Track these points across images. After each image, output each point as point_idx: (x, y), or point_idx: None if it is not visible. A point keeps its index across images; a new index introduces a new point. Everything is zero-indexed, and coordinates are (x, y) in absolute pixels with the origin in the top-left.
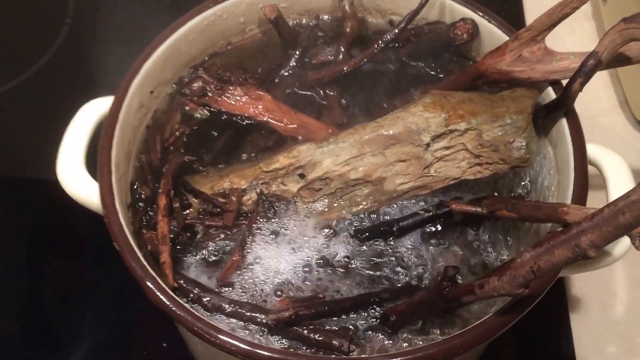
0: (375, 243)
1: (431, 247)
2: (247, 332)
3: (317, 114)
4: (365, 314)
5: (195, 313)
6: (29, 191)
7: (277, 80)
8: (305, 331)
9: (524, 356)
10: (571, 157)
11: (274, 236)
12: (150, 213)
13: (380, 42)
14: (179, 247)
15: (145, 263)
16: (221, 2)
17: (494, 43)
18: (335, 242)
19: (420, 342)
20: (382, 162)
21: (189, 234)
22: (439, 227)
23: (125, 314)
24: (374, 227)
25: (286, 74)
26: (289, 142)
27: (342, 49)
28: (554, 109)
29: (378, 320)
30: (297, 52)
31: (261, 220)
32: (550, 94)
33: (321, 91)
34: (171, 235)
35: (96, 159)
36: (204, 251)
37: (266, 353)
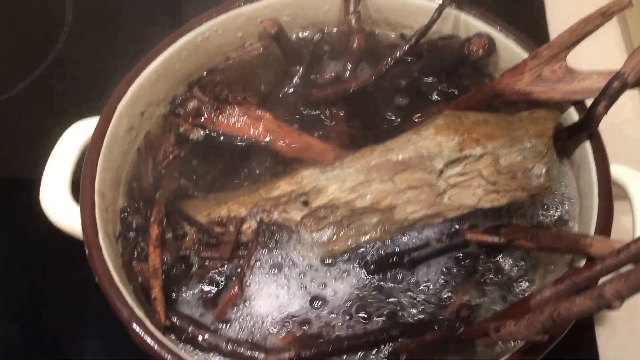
0: (385, 276)
1: (444, 281)
2: None
3: (322, 134)
4: (373, 353)
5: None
6: (17, 198)
7: (279, 98)
8: None
9: None
10: (595, 182)
11: (275, 268)
12: (142, 244)
13: (389, 59)
14: (172, 280)
15: (132, 302)
16: (217, 17)
17: (511, 59)
18: (341, 275)
19: None
20: (391, 189)
21: (183, 266)
22: (453, 259)
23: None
24: (383, 259)
25: (289, 91)
26: (292, 164)
27: (349, 66)
28: (577, 132)
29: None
30: (301, 69)
31: (261, 250)
32: (572, 114)
33: (326, 110)
34: (164, 268)
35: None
36: (199, 284)
37: None
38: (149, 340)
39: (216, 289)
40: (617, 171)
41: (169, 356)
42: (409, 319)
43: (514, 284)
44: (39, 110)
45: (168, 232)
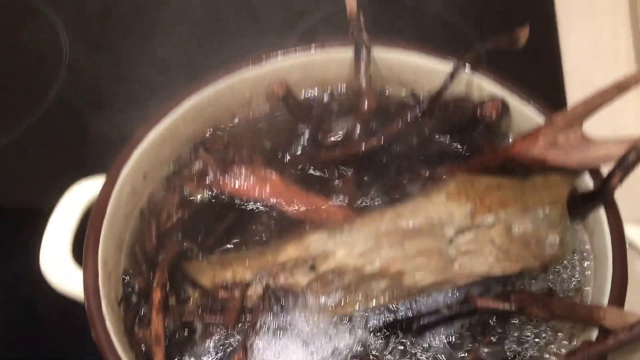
0: (394, 342)
1: (455, 348)
2: None
3: (330, 195)
4: None
5: None
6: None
7: (286, 158)
8: None
9: None
10: (609, 249)
11: (280, 334)
12: (144, 309)
13: (399, 122)
14: (175, 346)
15: None
16: (223, 79)
17: (526, 122)
18: (348, 340)
19: None
20: (400, 256)
21: (186, 331)
22: (463, 325)
23: None
24: (391, 325)
25: (296, 152)
26: (299, 225)
27: (358, 127)
28: (591, 199)
29: None
30: (309, 129)
31: (267, 316)
32: (587, 180)
33: (335, 171)
34: (167, 334)
35: (83, 246)
36: (203, 351)
37: None
38: None
39: (219, 356)
40: (632, 233)
41: None
42: None
43: (526, 352)
44: (32, 160)
45: (171, 296)
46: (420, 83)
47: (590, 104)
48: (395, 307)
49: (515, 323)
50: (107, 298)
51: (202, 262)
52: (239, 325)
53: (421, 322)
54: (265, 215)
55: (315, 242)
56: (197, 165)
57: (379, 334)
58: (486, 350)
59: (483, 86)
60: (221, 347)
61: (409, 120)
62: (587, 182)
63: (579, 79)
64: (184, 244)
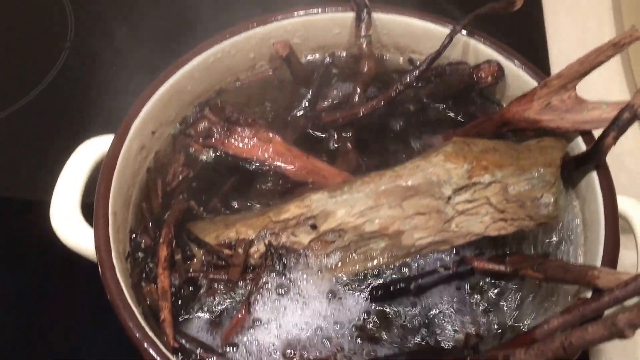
0: (392, 302)
1: (451, 308)
2: None
3: (331, 158)
4: None
5: None
6: (22, 217)
7: (288, 120)
8: None
9: None
10: (601, 213)
11: (282, 292)
12: (151, 264)
13: (398, 84)
14: (180, 301)
15: (143, 322)
16: (230, 38)
17: (520, 87)
18: (348, 300)
19: None
20: (399, 215)
21: (191, 288)
22: (460, 286)
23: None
24: (389, 285)
25: (298, 114)
26: (300, 187)
27: (358, 90)
28: (584, 162)
29: None
30: (310, 91)
31: (269, 274)
32: (580, 143)
33: (335, 133)
34: (172, 289)
35: (92, 203)
36: (207, 307)
37: None
38: None
39: (223, 312)
40: (621, 203)
41: None
42: (416, 347)
43: (520, 314)
44: (39, 127)
45: (177, 254)
46: (418, 50)
47: (586, 62)
48: (394, 267)
49: (510, 289)
50: (116, 250)
51: (207, 222)
52: (243, 282)
53: (419, 282)
54: (267, 176)
55: (317, 201)
56: (202, 126)
57: (377, 293)
58: (482, 315)
59: (479, 50)
60: (225, 303)
61: (407, 82)
62: (580, 147)
63: (563, 48)
64: (189, 203)
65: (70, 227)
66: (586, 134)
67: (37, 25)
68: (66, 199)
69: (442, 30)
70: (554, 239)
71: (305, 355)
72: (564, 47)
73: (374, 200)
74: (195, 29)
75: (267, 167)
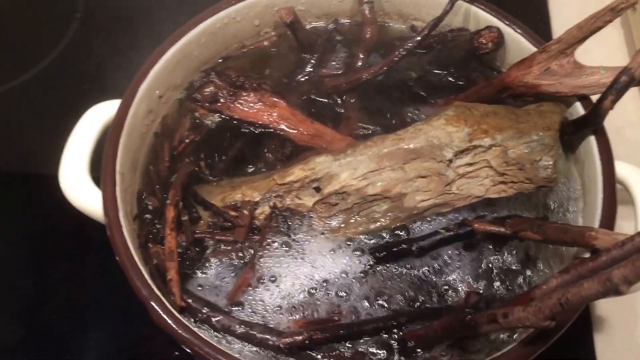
0: (394, 263)
1: (452, 269)
2: (257, 355)
3: (334, 123)
4: (382, 338)
5: (203, 337)
6: (34, 188)
7: (292, 86)
8: (319, 355)
9: None
10: (599, 177)
11: (287, 253)
12: (158, 225)
13: (401, 49)
14: (187, 262)
15: (150, 281)
16: (236, 4)
17: (520, 53)
18: (351, 261)
19: None
20: (401, 178)
21: (197, 249)
22: (461, 247)
23: (134, 326)
24: (392, 246)
25: (302, 79)
26: (304, 152)
27: (361, 56)
28: (582, 126)
29: (395, 345)
30: (314, 57)
31: (274, 235)
32: (578, 109)
33: (338, 99)
34: (179, 250)
35: (100, 166)
36: (213, 267)
37: None
38: (167, 318)
39: (229, 272)
40: (619, 168)
41: (187, 334)
42: (418, 305)
43: (519, 275)
44: (50, 95)
45: (184, 215)
46: (420, 17)
47: (585, 27)
48: (396, 228)
49: (510, 251)
50: (123, 211)
51: (213, 185)
52: (248, 243)
53: (420, 244)
54: (271, 140)
55: (321, 163)
56: (209, 90)
57: (380, 255)
58: (482, 276)
59: (480, 16)
60: (230, 264)
61: (409, 47)
62: (579, 112)
63: (565, 15)
64: (195, 166)
65: (79, 189)
66: (584, 99)
67: None
68: (75, 161)
69: None
70: (553, 202)
71: (309, 313)
72: (566, 15)
73: (376, 163)
74: None
75: (272, 132)
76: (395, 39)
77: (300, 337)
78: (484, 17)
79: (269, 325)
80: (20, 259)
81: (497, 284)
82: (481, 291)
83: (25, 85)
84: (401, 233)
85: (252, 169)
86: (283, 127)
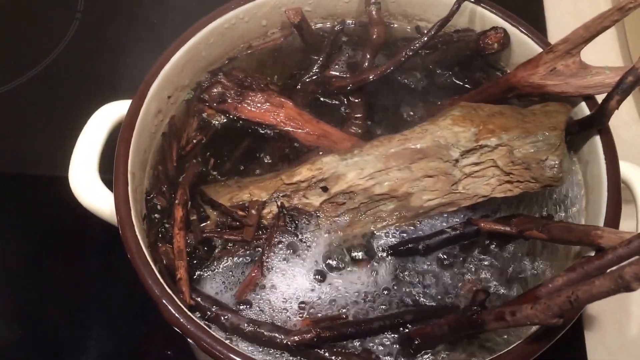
0: (400, 261)
1: (458, 267)
2: (266, 353)
3: (340, 123)
4: (389, 336)
5: (214, 335)
6: (36, 189)
7: (299, 86)
8: (327, 353)
9: None
10: (604, 176)
11: (294, 252)
12: (166, 225)
13: (407, 50)
14: (195, 261)
15: (161, 279)
16: (243, 4)
17: (525, 54)
18: (358, 260)
19: None
20: (408, 177)
21: (206, 248)
22: (467, 246)
23: (134, 324)
24: (399, 245)
25: (309, 80)
26: (311, 152)
27: (368, 56)
28: (588, 126)
29: (401, 343)
30: (321, 58)
31: (282, 234)
32: (584, 109)
33: (345, 99)
34: (187, 249)
35: (109, 166)
36: (221, 266)
37: None
38: (178, 316)
39: (237, 270)
40: (623, 168)
41: (198, 332)
42: (424, 303)
43: (525, 273)
44: (52, 95)
45: (192, 215)
46: (425, 18)
47: (591, 27)
48: (403, 227)
49: (515, 250)
50: (134, 210)
51: (220, 185)
52: (256, 242)
53: (427, 243)
54: (278, 140)
55: (328, 163)
56: (216, 91)
57: (386, 254)
58: (488, 272)
59: (485, 17)
60: (239, 262)
61: (416, 48)
62: (584, 112)
63: (560, 17)
64: (203, 167)
65: (88, 189)
66: (589, 99)
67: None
68: (84, 161)
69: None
70: (557, 201)
71: (317, 312)
72: (560, 20)
73: (383, 163)
74: None
75: (279, 132)
76: (400, 40)
77: (308, 335)
78: (490, 18)
79: (276, 324)
80: (21, 258)
81: (503, 281)
82: (488, 288)
83: (27, 85)
84: (407, 232)
85: (259, 169)
86: (290, 127)
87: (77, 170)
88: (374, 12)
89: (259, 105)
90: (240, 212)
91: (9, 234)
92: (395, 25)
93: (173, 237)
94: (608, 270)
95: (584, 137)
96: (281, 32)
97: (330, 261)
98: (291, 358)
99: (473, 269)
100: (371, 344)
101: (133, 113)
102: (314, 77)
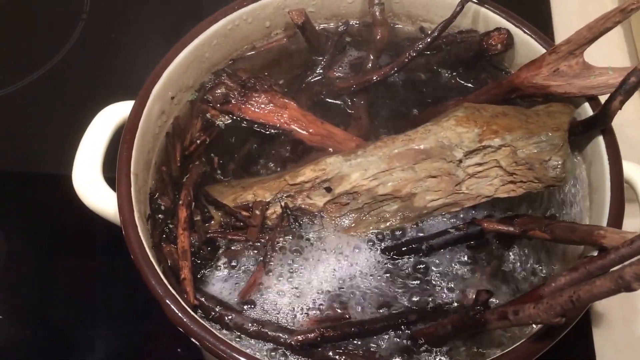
0: (404, 261)
1: (462, 267)
2: (270, 353)
3: (344, 124)
4: (392, 336)
5: (218, 334)
6: (41, 188)
7: (302, 87)
8: (330, 353)
9: None
10: (607, 176)
11: (298, 252)
12: (170, 225)
13: (411, 51)
14: (199, 261)
15: (165, 280)
16: (247, 5)
17: (528, 55)
18: (361, 259)
19: None
20: (411, 178)
21: (210, 248)
22: (470, 246)
23: (140, 324)
24: (402, 245)
25: (312, 81)
26: (315, 152)
27: (372, 57)
28: (591, 126)
29: (405, 342)
30: (324, 59)
31: (285, 235)
32: (587, 109)
33: (349, 100)
34: (192, 250)
35: (113, 167)
36: (225, 267)
37: None
38: (181, 316)
39: (241, 271)
40: (626, 167)
41: (202, 332)
42: (427, 303)
43: (528, 273)
44: (56, 96)
45: (196, 215)
46: (429, 19)
47: (594, 28)
48: (406, 228)
49: (518, 250)
50: (137, 211)
51: (224, 185)
52: (259, 242)
53: (430, 243)
54: (282, 141)
55: (332, 164)
56: (220, 92)
57: (390, 254)
58: (490, 274)
59: (489, 18)
60: (242, 262)
61: (420, 49)
62: (587, 113)
63: (567, 17)
64: (207, 167)
65: (92, 189)
66: (593, 100)
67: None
68: (88, 161)
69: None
70: (561, 202)
71: (320, 312)
72: (567, 21)
73: (387, 163)
74: None
75: (283, 132)
76: (404, 41)
77: (312, 335)
78: (493, 19)
79: (280, 323)
80: (27, 258)
81: (506, 281)
82: (492, 288)
83: (32, 85)
84: (411, 232)
85: (263, 170)
86: (293, 128)
87: (80, 171)
88: (377, 13)
89: (262, 106)
90: (244, 213)
91: (14, 233)
92: (399, 26)
93: (177, 237)
94: (610, 270)
95: (587, 137)
96: (285, 33)
97: (333, 261)
98: (295, 357)
99: (477, 268)
100: (375, 344)
101: (135, 114)
102: (317, 78)
